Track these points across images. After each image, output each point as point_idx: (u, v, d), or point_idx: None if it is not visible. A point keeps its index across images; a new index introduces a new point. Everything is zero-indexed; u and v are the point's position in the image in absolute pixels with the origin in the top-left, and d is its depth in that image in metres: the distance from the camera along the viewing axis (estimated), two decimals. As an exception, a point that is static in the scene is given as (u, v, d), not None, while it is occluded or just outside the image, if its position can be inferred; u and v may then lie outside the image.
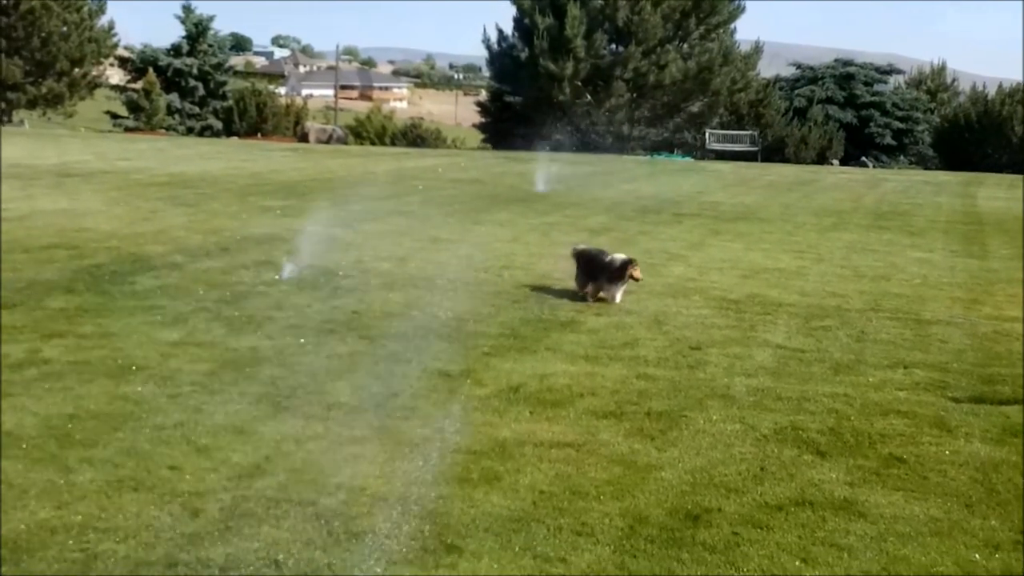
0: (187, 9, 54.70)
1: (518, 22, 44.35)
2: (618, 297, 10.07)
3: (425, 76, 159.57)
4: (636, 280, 10.21)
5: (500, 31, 45.14)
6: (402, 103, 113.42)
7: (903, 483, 5.50)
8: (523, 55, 43.62)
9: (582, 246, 10.72)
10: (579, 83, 42.45)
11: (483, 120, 49.91)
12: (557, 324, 9.11)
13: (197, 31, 54.54)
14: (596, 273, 10.11)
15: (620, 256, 10.24)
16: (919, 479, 5.56)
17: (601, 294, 10.09)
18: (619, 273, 10.04)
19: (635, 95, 43.62)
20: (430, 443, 5.87)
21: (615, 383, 7.27)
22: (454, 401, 6.71)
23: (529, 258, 12.76)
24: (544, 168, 24.10)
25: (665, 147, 44.64)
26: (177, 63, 53.17)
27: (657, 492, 5.28)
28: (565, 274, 11.48)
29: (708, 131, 45.14)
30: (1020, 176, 33.12)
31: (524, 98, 44.31)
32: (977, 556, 4.65)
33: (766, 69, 51.52)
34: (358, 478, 5.32)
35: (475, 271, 11.67)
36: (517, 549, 4.61)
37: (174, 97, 52.73)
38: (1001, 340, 8.96)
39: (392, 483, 5.28)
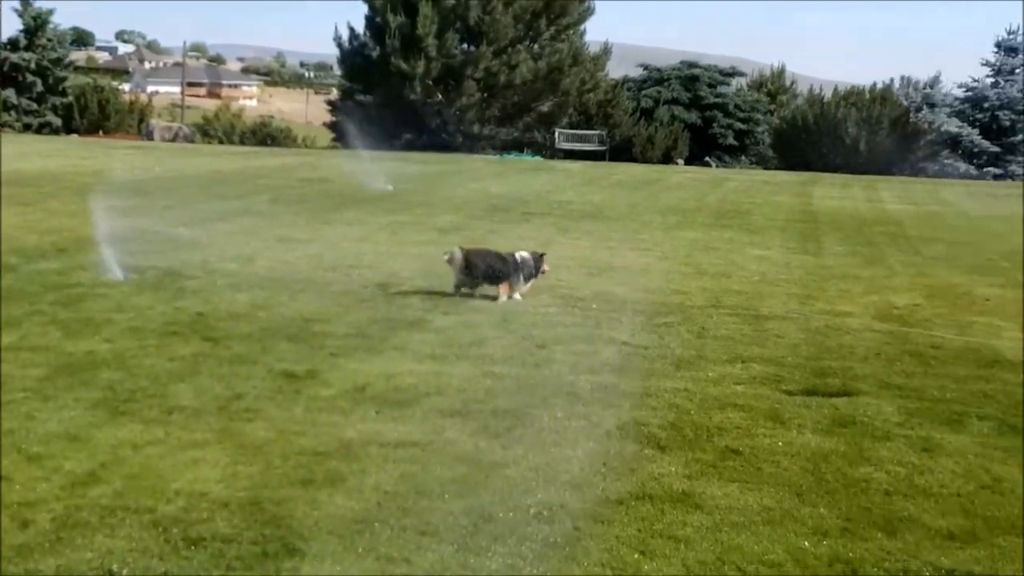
0: (25, 3, 52.66)
1: (370, 20, 44.08)
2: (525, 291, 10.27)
3: (275, 74, 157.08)
4: (544, 273, 10.50)
5: (352, 29, 44.84)
6: (252, 101, 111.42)
7: (739, 474, 5.66)
8: (375, 54, 43.38)
9: (467, 247, 10.61)
10: (430, 82, 42.43)
11: (334, 119, 49.39)
12: (405, 323, 9.10)
13: (36, 25, 52.48)
14: (502, 272, 10.22)
15: (527, 253, 10.50)
16: (754, 470, 5.73)
17: (505, 290, 10.18)
18: (535, 269, 10.38)
19: (486, 94, 43.80)
20: (274, 445, 5.80)
21: (462, 382, 7.30)
22: (299, 402, 6.65)
23: (378, 257, 12.72)
24: (394, 167, 24.08)
25: (515, 146, 44.95)
26: (14, 57, 51.06)
27: (502, 490, 5.31)
28: (414, 273, 11.51)
29: (558, 131, 45.64)
30: (853, 175, 34.44)
31: (375, 97, 44.03)
32: (806, 543, 4.81)
33: (614, 70, 52.32)
34: (199, 483, 5.23)
35: (323, 271, 11.58)
36: (360, 550, 4.58)
37: (10, 93, 50.71)
38: (832, 334, 9.29)
39: (234, 487, 5.20)
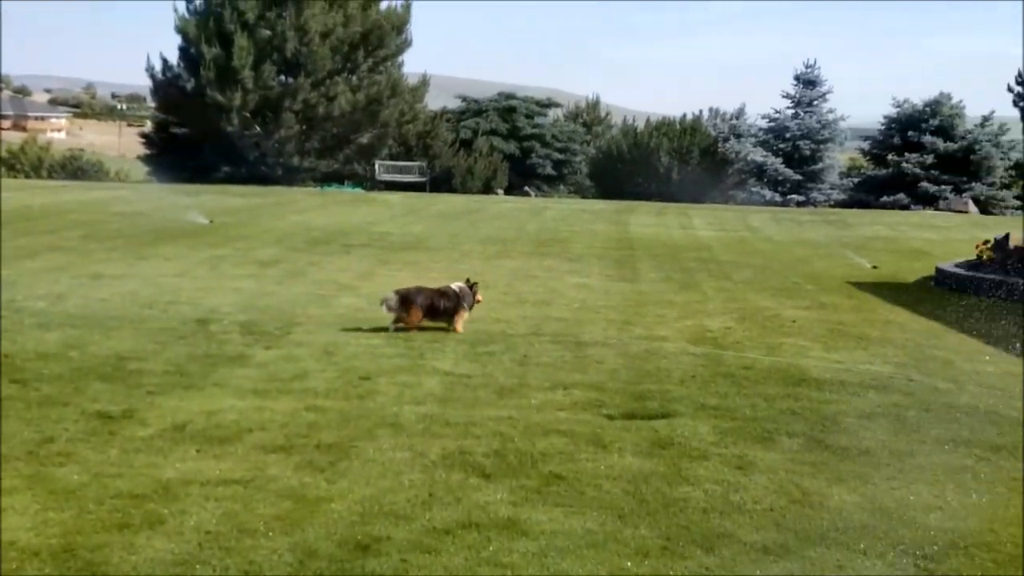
0: None
1: (184, 51, 43.14)
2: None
3: (85, 105, 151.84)
4: (479, 302, 10.84)
5: (164, 60, 43.73)
6: (60, 133, 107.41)
7: (563, 499, 5.75)
8: (189, 85, 42.48)
9: (403, 288, 10.68)
10: (248, 114, 41.76)
11: (148, 152, 48.05)
12: (225, 359, 8.94)
13: None
14: (443, 307, 10.44)
15: (461, 284, 10.73)
16: (577, 494, 5.83)
17: (456, 323, 10.47)
18: (472, 297, 10.67)
19: (305, 126, 43.36)
20: (87, 489, 5.60)
21: (285, 416, 7.21)
22: (114, 443, 6.44)
23: (197, 292, 12.46)
24: (213, 200, 23.63)
25: (336, 178, 44.62)
26: None
27: (327, 524, 5.26)
28: (235, 307, 11.33)
29: (378, 162, 45.55)
30: (667, 203, 35.45)
31: (191, 129, 43.06)
32: (629, 564, 4.92)
33: (433, 101, 52.54)
34: (7, 532, 5.01)
35: (139, 307, 11.27)
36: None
37: None
38: (651, 358, 9.54)
39: (45, 534, 5.00)
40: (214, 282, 13.38)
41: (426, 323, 10.46)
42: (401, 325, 10.42)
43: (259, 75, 41.24)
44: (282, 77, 43.18)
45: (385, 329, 10.39)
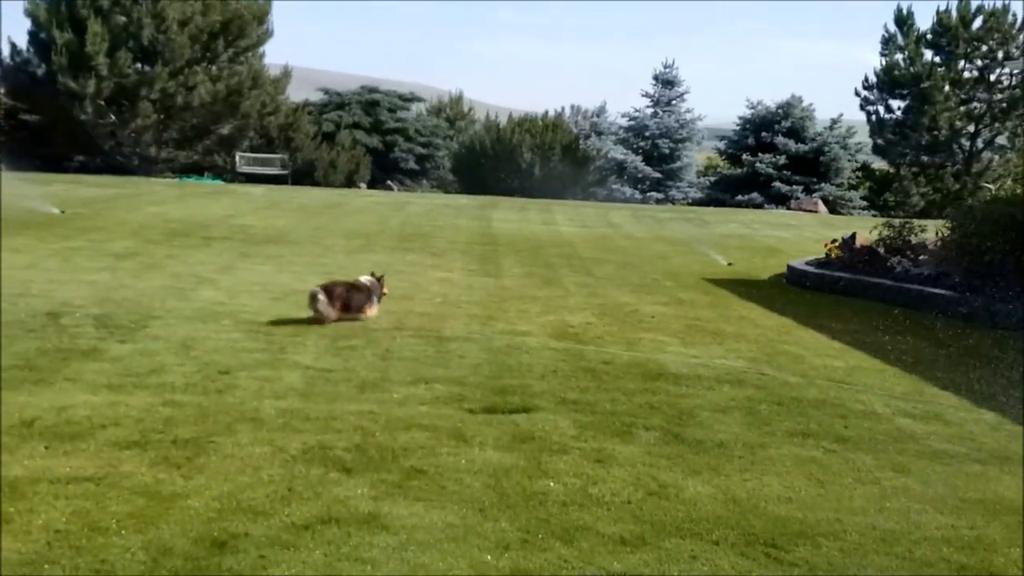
0: None
1: (34, 36, 41.64)
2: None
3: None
4: (385, 295, 11.28)
5: (13, 44, 42.18)
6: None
7: (424, 493, 5.75)
8: (40, 71, 41.07)
9: (325, 283, 10.85)
10: (102, 102, 40.55)
11: (-4, 138, 46.27)
12: (78, 353, 8.68)
13: None
14: (355, 298, 10.75)
15: (369, 277, 11.16)
16: (438, 488, 5.84)
17: (367, 312, 10.86)
18: (380, 289, 11.13)
19: (163, 116, 42.35)
20: (-70, 488, 5.39)
21: (140, 412, 7.04)
22: (-42, 441, 6.21)
23: (48, 285, 12.07)
24: (66, 190, 22.93)
25: (195, 170, 43.71)
26: None
27: (183, 522, 5.16)
28: (88, 300, 11.03)
29: (238, 154, 44.75)
30: (529, 199, 35.72)
31: (42, 116, 41.59)
32: (489, 557, 4.96)
33: (295, 93, 51.84)
34: None
35: (-16, 300, 10.86)
36: (30, 593, 4.35)
37: None
38: (513, 353, 9.61)
39: None
40: (66, 274, 12.99)
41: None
42: (318, 319, 10.48)
43: (114, 62, 40.08)
44: (139, 65, 42.03)
45: (249, 323, 10.25)
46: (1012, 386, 9.33)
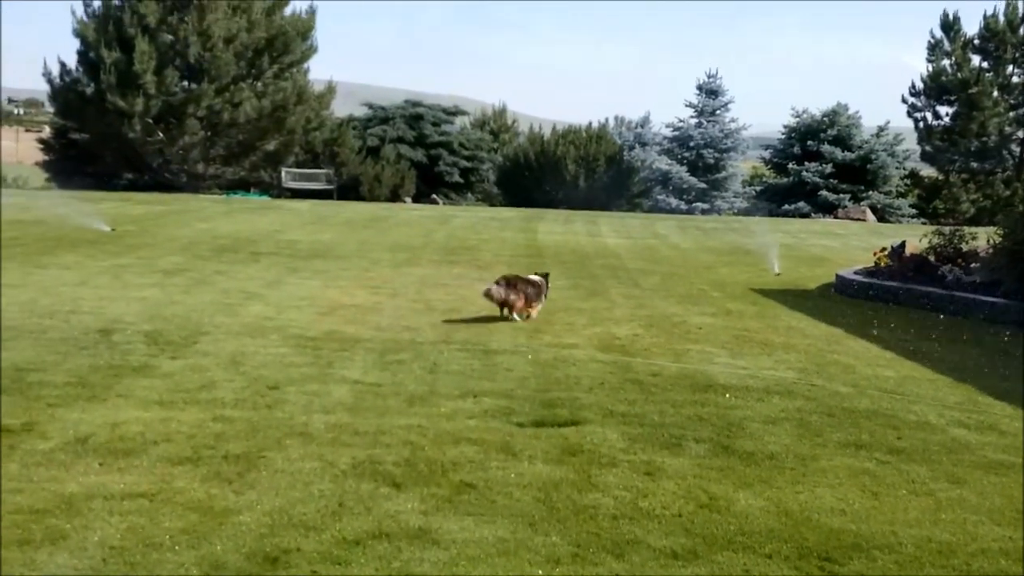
0: None
1: (82, 55, 42.23)
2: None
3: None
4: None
5: (63, 64, 42.72)
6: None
7: (473, 508, 5.75)
8: (89, 90, 41.59)
9: (506, 276, 12.36)
10: (150, 120, 41.04)
11: (47, 158, 46.93)
12: (129, 370, 8.77)
13: None
14: (529, 292, 12.10)
15: (538, 276, 12.64)
16: (488, 503, 5.84)
17: (532, 310, 12.18)
18: (546, 289, 12.52)
19: (209, 133, 42.78)
20: (-13, 505, 5.46)
21: (191, 428, 7.10)
22: (13, 458, 6.28)
23: (99, 302, 12.21)
24: (115, 208, 23.20)
25: (241, 185, 44.12)
26: None
27: (235, 537, 5.20)
28: (138, 317, 11.17)
29: (284, 169, 45.09)
30: (574, 211, 35.70)
31: (91, 135, 42.16)
32: (540, 572, 4.94)
33: (340, 108, 52.15)
34: (-98, 549, 4.86)
35: (38, 317, 11.00)
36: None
37: None
38: (560, 366, 9.59)
39: (-57, 552, 4.87)
40: (117, 291, 13.14)
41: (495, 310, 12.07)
42: (504, 303, 11.92)
43: (161, 80, 40.57)
44: (185, 83, 42.52)
45: (297, 338, 10.33)
46: (1068, 395, 9.18)
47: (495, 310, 12.36)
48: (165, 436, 6.86)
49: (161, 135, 41.65)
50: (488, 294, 11.83)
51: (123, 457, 6.39)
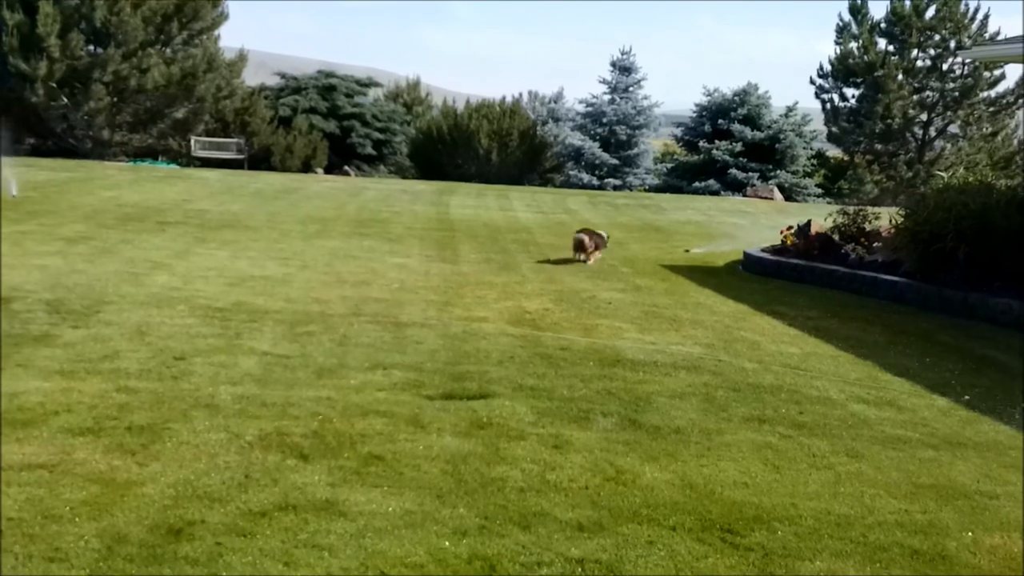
0: None
1: (-17, 17, 41.02)
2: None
3: None
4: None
5: (-38, 25, 41.48)
6: None
7: (381, 480, 5.74)
8: (-10, 52, 40.42)
9: (585, 228, 16.93)
10: (54, 84, 40.00)
11: (-56, 121, 45.52)
12: (29, 339, 8.58)
13: None
14: (599, 242, 16.16)
15: (604, 232, 16.94)
16: (396, 475, 5.84)
17: (593, 257, 15.89)
18: (605, 243, 16.50)
19: (116, 99, 41.80)
20: None
21: (93, 398, 6.97)
22: (-92, 428, 6.11)
23: (-3, 270, 11.91)
24: (16, 174, 22.57)
25: (149, 154, 43.25)
26: None
27: (137, 509, 5.13)
28: (39, 285, 10.91)
29: (194, 138, 44.32)
30: (487, 185, 35.67)
31: (-9, 98, 40.99)
32: (447, 543, 4.96)
33: (251, 78, 51.34)
34: None
35: (-66, 285, 10.70)
36: (-18, 582, 4.30)
37: None
38: (470, 339, 9.60)
39: None
40: (17, 259, 12.82)
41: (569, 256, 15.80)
42: (582, 257, 15.73)
43: (66, 44, 39.50)
44: (91, 47, 41.47)
45: (205, 309, 10.19)
46: (964, 372, 9.45)
47: (406, 283, 12.34)
48: (66, 407, 6.73)
49: (65, 100, 40.61)
50: (578, 241, 15.81)
51: (22, 428, 6.26)
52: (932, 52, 46.41)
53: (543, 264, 15.52)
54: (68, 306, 10.00)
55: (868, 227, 16.01)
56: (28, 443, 5.99)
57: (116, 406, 6.83)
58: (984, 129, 46.67)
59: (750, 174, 46.68)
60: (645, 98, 52.59)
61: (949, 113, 46.89)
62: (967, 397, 8.45)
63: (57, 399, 6.89)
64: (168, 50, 42.61)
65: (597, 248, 15.99)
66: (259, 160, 45.25)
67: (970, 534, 5.49)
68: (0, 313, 9.39)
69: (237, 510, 5.19)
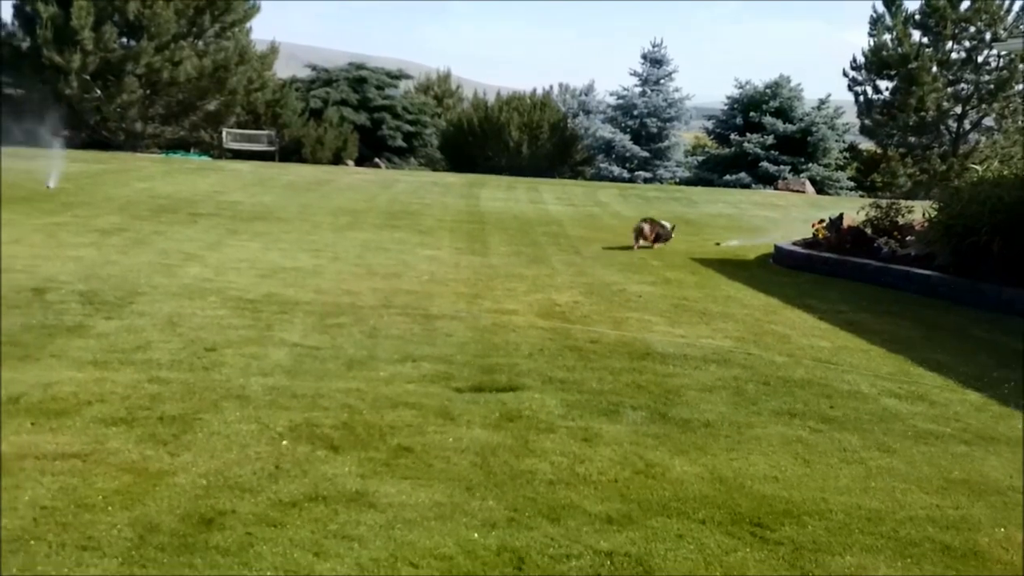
0: None
1: (18, 9, 41.23)
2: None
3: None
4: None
5: (-2, 18, 41.87)
6: None
7: (411, 472, 5.76)
8: (25, 45, 40.71)
9: (648, 218, 17.62)
10: (88, 77, 40.28)
11: (-20, 112, 45.89)
12: (63, 329, 8.65)
13: None
14: (662, 233, 17.14)
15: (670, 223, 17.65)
16: (425, 467, 5.85)
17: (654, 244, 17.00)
18: (670, 234, 17.31)
19: (149, 91, 42.06)
20: (-85, 464, 5.37)
21: (126, 388, 7.03)
22: (-56, 417, 6.19)
23: (33, 260, 12.02)
24: (51, 165, 22.79)
25: (182, 146, 43.48)
26: None
27: (169, 498, 5.17)
28: (73, 277, 11.01)
29: (225, 130, 44.51)
30: (517, 178, 35.67)
31: (27, 91, 41.31)
32: (476, 535, 4.97)
33: (282, 70, 51.48)
34: None
35: (-31, 275, 10.80)
36: (15, 570, 4.34)
37: None
38: (499, 331, 9.61)
39: None
40: (52, 250, 12.94)
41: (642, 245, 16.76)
42: (644, 243, 16.82)
43: (99, 37, 39.77)
44: (124, 39, 41.73)
45: (236, 300, 10.24)
46: (998, 367, 9.37)
47: (436, 275, 12.38)
48: (99, 397, 6.79)
49: (99, 92, 40.90)
50: (638, 229, 16.91)
51: (55, 417, 6.31)
52: (967, 44, 45.98)
53: (573, 257, 15.50)
54: (102, 297, 10.08)
55: (901, 221, 15.90)
56: (62, 433, 6.05)
57: (148, 396, 6.88)
58: (1020, 122, 46.13)
59: (781, 167, 46.41)
60: (676, 90, 52.38)
61: (984, 106, 46.44)
62: (1006, 388, 8.38)
63: (90, 389, 6.95)
64: (200, 43, 42.84)
65: (659, 238, 16.97)
66: (290, 152, 45.38)
67: (1002, 530, 5.45)
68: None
69: (268, 500, 5.22)
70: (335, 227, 17.54)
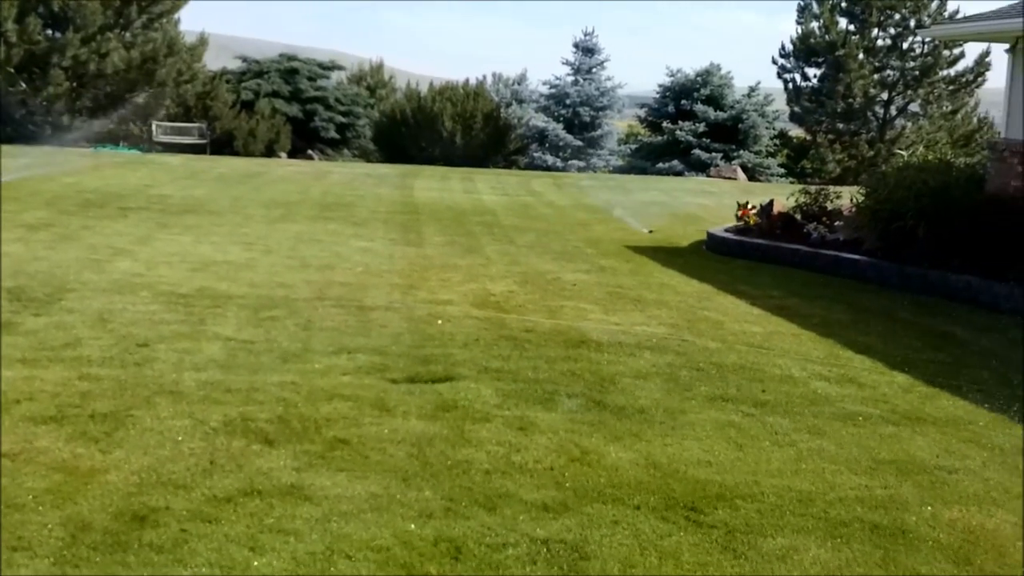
0: None
1: (-61, 1, 40.50)
2: None
3: None
4: None
5: (-85, 9, 40.90)
6: None
7: (346, 464, 5.76)
8: (-56, 37, 39.91)
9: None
10: (12, 70, 39.52)
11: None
12: (-10, 328, 8.51)
13: None
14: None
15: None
16: (361, 459, 5.85)
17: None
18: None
19: (75, 84, 41.41)
20: None
21: (55, 386, 6.93)
22: None
23: (-44, 258, 11.78)
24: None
25: (110, 139, 42.84)
26: None
27: (101, 497, 5.11)
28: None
29: (155, 123, 43.95)
30: (451, 168, 35.60)
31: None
32: (412, 526, 4.98)
33: (213, 61, 50.88)
34: None
35: None
36: (-55, 572, 4.28)
37: None
38: (434, 322, 9.61)
39: None
40: (-23, 247, 12.70)
41: None
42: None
43: (23, 28, 39.03)
44: (49, 31, 41.00)
45: (168, 295, 10.13)
46: (924, 348, 9.56)
47: (371, 267, 12.32)
48: (27, 395, 6.70)
49: (24, 85, 40.16)
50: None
51: (-16, 417, 6.22)
52: (892, 31, 46.67)
53: (508, 246, 15.53)
54: (29, 294, 9.92)
55: (830, 206, 16.13)
56: (-10, 432, 5.95)
57: (79, 394, 6.80)
58: (944, 107, 47.06)
59: (713, 154, 46.79)
60: (608, 79, 52.59)
61: (909, 92, 47.19)
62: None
63: (19, 387, 6.85)
64: (128, 34, 42.18)
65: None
66: (222, 145, 44.90)
67: (929, 508, 5.58)
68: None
69: (202, 496, 5.19)
70: (268, 219, 17.40)
